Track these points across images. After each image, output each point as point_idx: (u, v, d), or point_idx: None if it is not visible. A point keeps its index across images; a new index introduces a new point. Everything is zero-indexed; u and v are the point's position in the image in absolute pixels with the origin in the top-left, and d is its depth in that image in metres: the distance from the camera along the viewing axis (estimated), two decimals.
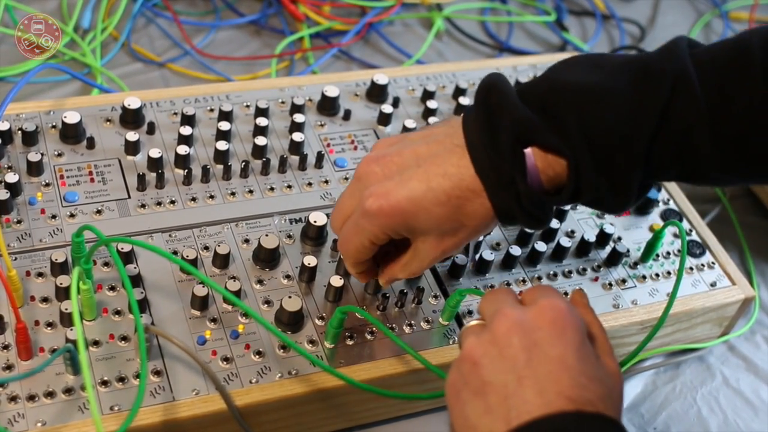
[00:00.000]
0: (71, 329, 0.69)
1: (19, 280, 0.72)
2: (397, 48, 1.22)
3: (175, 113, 0.91)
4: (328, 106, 0.95)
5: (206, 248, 0.80)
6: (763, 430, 0.87)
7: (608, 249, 0.88)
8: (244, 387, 0.71)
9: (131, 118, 0.89)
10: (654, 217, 0.93)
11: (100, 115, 0.90)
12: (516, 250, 0.84)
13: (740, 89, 0.60)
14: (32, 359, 0.70)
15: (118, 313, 0.73)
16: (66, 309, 0.71)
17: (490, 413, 0.55)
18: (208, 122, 0.91)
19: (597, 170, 0.61)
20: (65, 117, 0.85)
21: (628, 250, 0.88)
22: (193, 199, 0.84)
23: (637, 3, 1.42)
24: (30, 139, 0.85)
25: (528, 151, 0.62)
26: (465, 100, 0.99)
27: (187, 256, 0.77)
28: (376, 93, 0.98)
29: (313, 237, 0.82)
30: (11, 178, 0.79)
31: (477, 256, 0.83)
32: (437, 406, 0.81)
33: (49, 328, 0.72)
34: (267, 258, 0.79)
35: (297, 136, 0.89)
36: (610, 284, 0.86)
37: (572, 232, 0.89)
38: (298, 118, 0.92)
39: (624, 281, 0.86)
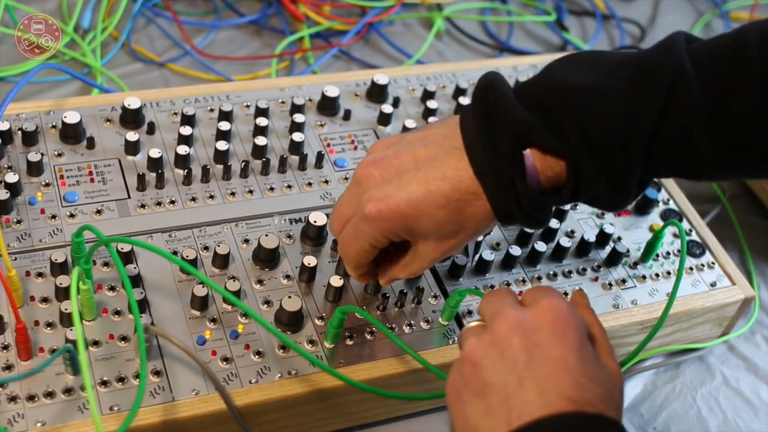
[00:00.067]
0: (71, 329, 0.69)
1: (18, 280, 0.72)
2: (398, 48, 1.22)
3: (175, 113, 0.91)
4: (328, 106, 0.95)
5: (206, 248, 0.80)
6: (763, 430, 0.87)
7: (608, 249, 0.88)
8: (243, 387, 0.71)
9: (131, 118, 0.89)
10: (654, 217, 0.93)
11: (100, 115, 0.90)
12: (516, 250, 0.84)
13: (738, 86, 0.60)
14: (32, 359, 0.70)
15: (117, 313, 0.73)
16: (66, 309, 0.71)
17: (491, 414, 0.55)
18: (208, 122, 0.91)
19: (596, 170, 0.61)
20: (65, 117, 0.85)
21: (628, 250, 0.88)
22: (193, 199, 0.84)
23: (637, 3, 1.42)
24: (30, 139, 0.85)
25: (527, 152, 0.62)
26: (465, 100, 0.99)
27: (187, 256, 0.77)
28: (377, 93, 0.98)
29: (313, 237, 0.82)
30: (11, 178, 0.79)
31: (476, 256, 0.83)
32: (437, 406, 0.81)
33: (48, 329, 0.72)
34: (267, 258, 0.79)
35: (297, 136, 0.90)
36: (610, 284, 0.86)
37: (572, 232, 0.89)
38: (298, 118, 0.92)
39: (624, 281, 0.86)
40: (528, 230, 0.86)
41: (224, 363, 0.72)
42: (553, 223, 0.87)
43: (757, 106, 0.60)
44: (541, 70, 0.65)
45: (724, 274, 0.90)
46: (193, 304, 0.75)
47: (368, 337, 0.76)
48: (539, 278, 0.85)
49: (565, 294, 0.84)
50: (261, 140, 0.88)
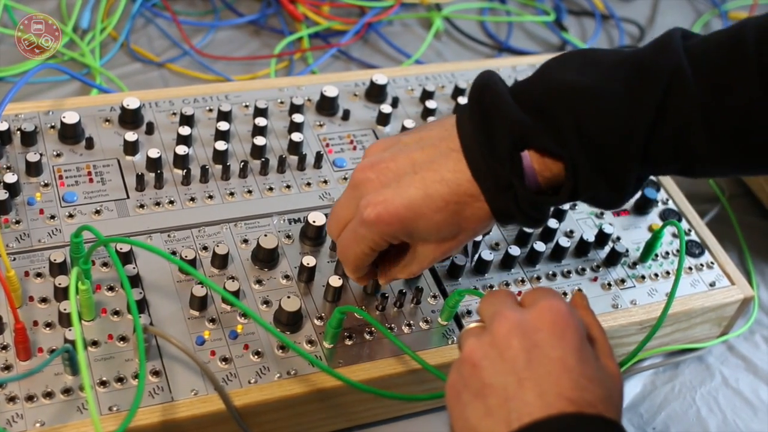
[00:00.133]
0: (70, 329, 0.69)
1: (17, 280, 0.72)
2: (396, 48, 1.22)
3: (174, 113, 0.91)
4: (327, 106, 0.95)
5: (205, 248, 0.80)
6: (763, 430, 0.87)
7: (607, 249, 0.88)
8: (242, 387, 0.71)
9: (130, 119, 0.89)
10: (653, 217, 0.93)
11: (99, 115, 0.90)
12: (515, 250, 0.84)
13: (735, 83, 0.60)
14: (31, 359, 0.70)
15: (116, 313, 0.73)
16: (65, 309, 0.71)
17: (491, 415, 0.55)
18: (207, 122, 0.91)
19: (594, 170, 0.61)
20: (64, 117, 0.85)
21: (627, 250, 0.88)
22: (192, 199, 0.84)
23: (636, 3, 1.42)
24: (29, 139, 0.85)
25: (525, 154, 0.62)
26: (464, 100, 0.99)
27: (186, 257, 0.77)
28: (375, 93, 0.98)
29: (312, 237, 0.82)
30: (10, 178, 0.79)
31: (476, 256, 0.83)
32: (436, 406, 0.81)
33: (47, 329, 0.72)
34: (266, 258, 0.79)
35: (296, 136, 0.89)
36: (609, 284, 0.86)
37: (571, 232, 0.89)
38: (297, 118, 0.91)
39: (623, 281, 0.86)
40: (527, 230, 0.86)
41: (223, 363, 0.72)
42: (552, 223, 0.87)
43: (754, 103, 0.60)
44: (537, 70, 0.65)
45: (723, 274, 0.90)
46: (192, 304, 0.75)
47: (367, 337, 0.76)
48: (538, 278, 0.85)
49: (565, 294, 0.84)
50: (260, 140, 0.88)
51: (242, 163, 0.86)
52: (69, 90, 1.05)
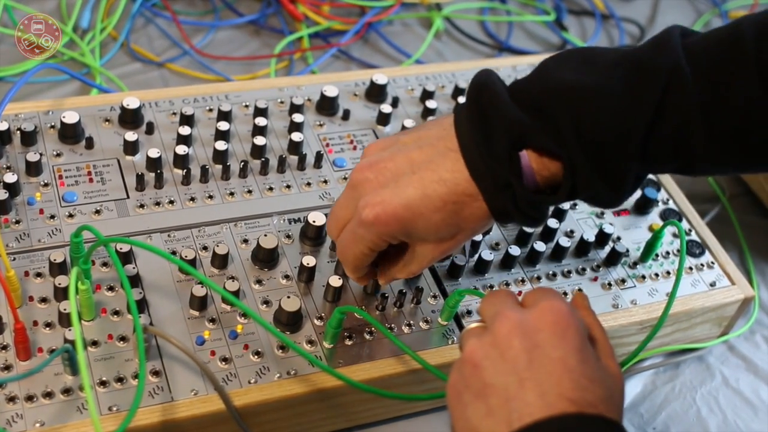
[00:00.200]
0: (70, 329, 0.69)
1: (17, 280, 0.72)
2: (397, 48, 1.22)
3: (174, 113, 0.91)
4: (327, 105, 0.95)
5: (205, 248, 0.80)
6: (763, 430, 0.86)
7: (607, 249, 0.88)
8: (242, 387, 0.71)
9: (130, 118, 0.89)
10: (653, 217, 0.93)
11: (99, 115, 0.89)
12: (515, 250, 0.84)
13: (734, 81, 0.60)
14: (31, 359, 0.70)
15: (116, 313, 0.73)
16: (64, 309, 0.71)
17: (492, 415, 0.55)
18: (207, 122, 0.91)
19: (592, 169, 0.61)
20: (64, 117, 0.85)
21: (627, 250, 0.88)
22: (192, 199, 0.84)
23: (636, 2, 1.42)
24: (29, 139, 0.85)
25: (523, 153, 0.62)
26: (464, 100, 0.99)
27: (186, 256, 0.77)
28: (375, 93, 0.98)
29: (312, 237, 0.82)
30: (10, 178, 0.79)
31: (475, 256, 0.83)
32: (436, 406, 0.81)
33: (47, 329, 0.71)
34: (266, 258, 0.79)
35: (296, 136, 0.89)
36: (610, 284, 0.86)
37: (571, 231, 0.89)
38: (297, 117, 0.91)
39: (623, 281, 0.86)
40: (527, 230, 0.86)
41: (223, 363, 0.72)
42: (553, 222, 0.87)
43: (753, 100, 0.59)
44: (535, 69, 0.65)
45: (724, 274, 0.90)
46: (192, 304, 0.75)
47: (367, 337, 0.76)
48: (538, 278, 0.85)
49: (565, 294, 0.84)
50: (260, 140, 0.88)
51: (242, 163, 0.86)
52: (69, 90, 1.05)
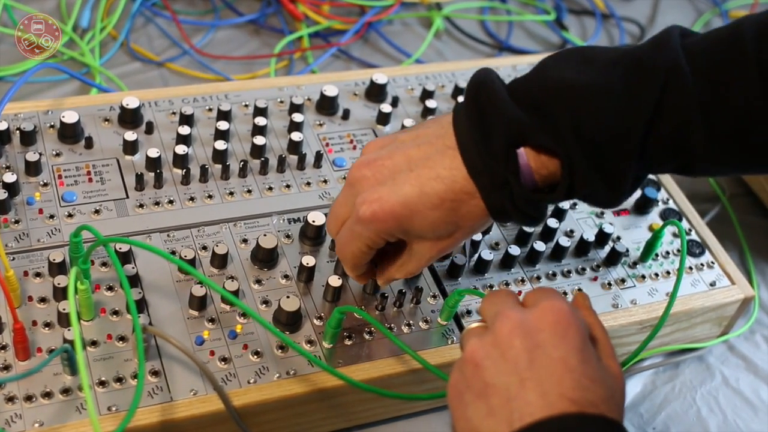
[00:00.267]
0: (69, 329, 0.69)
1: (16, 280, 0.72)
2: (397, 47, 1.22)
3: (174, 113, 0.91)
4: (326, 105, 0.95)
5: (204, 248, 0.80)
6: (763, 430, 0.86)
7: (607, 248, 0.88)
8: (242, 387, 0.71)
9: (129, 118, 0.89)
10: (653, 217, 0.93)
11: (98, 114, 0.89)
12: (515, 250, 0.84)
13: (734, 81, 0.60)
14: (30, 359, 0.69)
15: (116, 313, 0.73)
16: (63, 309, 0.71)
17: (493, 415, 0.55)
18: (207, 122, 0.91)
19: (591, 168, 0.61)
20: (63, 117, 0.85)
21: (627, 250, 0.88)
22: (192, 199, 0.84)
23: (636, 2, 1.42)
24: (28, 138, 0.85)
25: (521, 151, 0.62)
26: None
27: (186, 256, 0.77)
28: (375, 92, 0.98)
29: (312, 237, 0.82)
30: (9, 177, 0.79)
31: (475, 256, 0.83)
32: (436, 406, 0.81)
33: (46, 329, 0.71)
34: (265, 258, 0.79)
35: (296, 136, 0.89)
36: (610, 284, 0.86)
37: (571, 231, 0.89)
38: (297, 117, 0.91)
39: (623, 281, 0.86)
40: (527, 229, 0.86)
41: (222, 363, 0.72)
42: (552, 222, 0.87)
43: (752, 101, 0.59)
44: (534, 67, 0.65)
45: (724, 274, 0.90)
46: (191, 304, 0.75)
47: (367, 337, 0.76)
48: (538, 278, 0.85)
49: (565, 294, 0.84)
50: (259, 140, 0.88)
51: (242, 163, 0.86)
52: (68, 89, 1.05)
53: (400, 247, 0.70)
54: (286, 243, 0.82)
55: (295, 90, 0.97)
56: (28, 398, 0.67)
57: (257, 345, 0.73)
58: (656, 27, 1.37)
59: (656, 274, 0.88)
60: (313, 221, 0.81)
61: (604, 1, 1.38)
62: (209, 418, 0.69)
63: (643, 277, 0.87)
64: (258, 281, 0.78)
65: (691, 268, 0.89)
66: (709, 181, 1.09)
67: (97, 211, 0.81)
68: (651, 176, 0.96)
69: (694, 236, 0.92)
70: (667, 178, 0.97)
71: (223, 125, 0.88)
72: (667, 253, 0.90)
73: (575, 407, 0.53)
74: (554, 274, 0.85)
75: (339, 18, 1.22)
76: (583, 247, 0.87)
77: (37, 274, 0.75)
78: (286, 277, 0.79)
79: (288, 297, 0.74)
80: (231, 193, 0.85)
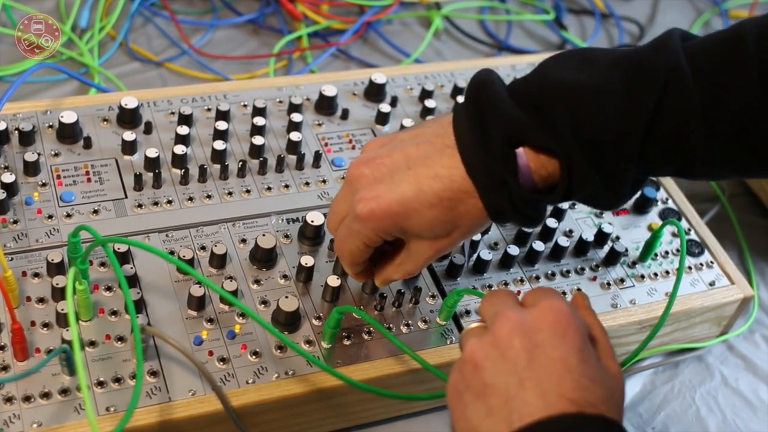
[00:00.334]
0: (67, 330, 0.69)
1: (15, 280, 0.72)
2: (396, 47, 1.22)
3: (173, 113, 0.91)
4: (325, 105, 0.95)
5: (203, 248, 0.80)
6: (762, 429, 0.86)
7: (606, 248, 0.88)
8: (240, 387, 0.71)
9: (128, 118, 0.89)
10: (653, 216, 0.93)
11: (97, 114, 0.89)
12: (514, 250, 0.84)
13: (734, 84, 0.60)
14: (28, 360, 0.69)
15: (114, 313, 0.73)
16: (62, 309, 0.71)
17: (492, 415, 0.55)
18: (206, 122, 0.91)
19: (590, 169, 0.61)
20: (62, 117, 0.85)
21: (626, 250, 0.87)
22: (190, 199, 0.83)
23: (636, 2, 1.42)
24: (27, 138, 0.84)
25: (520, 151, 0.62)
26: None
27: (184, 256, 0.77)
28: (374, 92, 0.98)
29: (311, 237, 0.82)
30: (8, 178, 0.79)
31: (474, 256, 0.83)
32: (435, 406, 0.80)
33: (45, 329, 0.71)
34: (264, 258, 0.79)
35: (294, 136, 0.89)
36: (609, 284, 0.86)
37: (570, 231, 0.89)
38: (296, 117, 0.91)
39: (622, 281, 0.86)
40: (526, 229, 0.86)
41: (221, 363, 0.72)
42: (552, 222, 0.87)
43: (753, 104, 0.59)
44: (534, 68, 0.65)
45: (723, 274, 0.90)
46: (189, 304, 0.75)
47: (365, 337, 0.76)
48: (537, 278, 0.85)
49: (564, 294, 0.83)
50: (258, 140, 0.88)
51: (240, 163, 0.86)
52: (67, 89, 1.05)
53: (398, 248, 0.70)
54: (284, 243, 0.82)
55: (294, 90, 0.97)
56: (27, 399, 0.67)
57: (256, 345, 0.73)
58: (656, 27, 1.37)
59: (655, 274, 0.87)
60: (312, 221, 0.81)
61: (603, 0, 1.38)
62: (208, 418, 0.69)
63: (643, 276, 0.87)
64: (257, 281, 0.78)
65: (690, 268, 0.89)
66: None
67: (95, 212, 0.81)
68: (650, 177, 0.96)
69: (693, 236, 0.92)
70: (666, 178, 0.97)
71: (221, 125, 0.88)
72: (667, 252, 0.90)
73: (574, 407, 0.53)
74: (553, 274, 0.85)
75: (338, 18, 1.22)
76: (582, 247, 0.87)
77: (36, 275, 0.75)
78: (284, 277, 0.79)
79: (287, 297, 0.74)
80: (230, 193, 0.85)
